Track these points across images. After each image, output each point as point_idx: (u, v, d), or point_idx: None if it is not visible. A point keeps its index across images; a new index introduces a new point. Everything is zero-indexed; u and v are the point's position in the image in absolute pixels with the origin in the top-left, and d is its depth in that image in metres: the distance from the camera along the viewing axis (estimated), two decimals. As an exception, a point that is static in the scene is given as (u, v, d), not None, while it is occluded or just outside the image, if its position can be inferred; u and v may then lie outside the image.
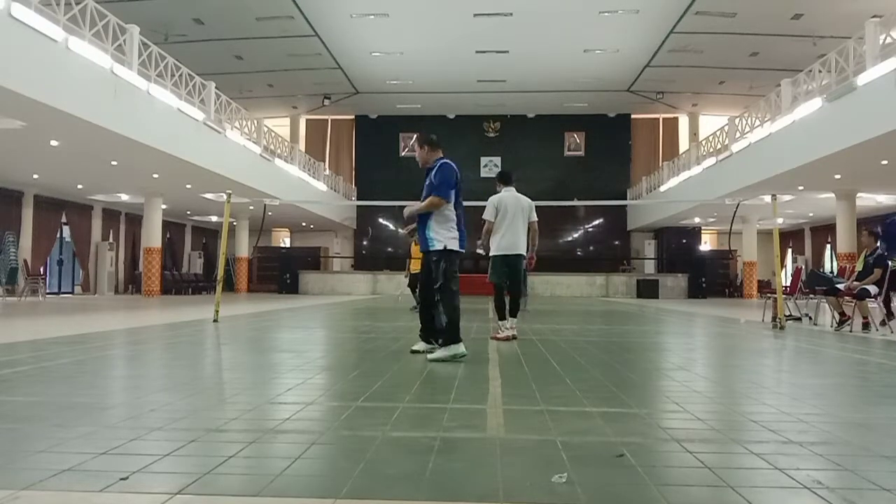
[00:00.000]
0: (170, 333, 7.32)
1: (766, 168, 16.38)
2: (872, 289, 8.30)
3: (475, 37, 20.87)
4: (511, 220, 6.36)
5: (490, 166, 29.01)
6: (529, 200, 6.55)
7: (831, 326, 8.67)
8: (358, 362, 4.92)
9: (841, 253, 17.55)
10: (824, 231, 26.02)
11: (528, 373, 4.24)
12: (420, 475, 2.03)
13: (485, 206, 6.49)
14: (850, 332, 8.15)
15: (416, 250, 12.46)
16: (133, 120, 12.73)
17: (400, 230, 13.78)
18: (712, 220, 26.61)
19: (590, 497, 1.83)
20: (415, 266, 12.52)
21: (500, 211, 6.39)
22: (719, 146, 21.24)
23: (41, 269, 19.49)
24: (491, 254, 6.48)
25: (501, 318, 6.45)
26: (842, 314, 8.49)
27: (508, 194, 6.48)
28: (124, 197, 21.11)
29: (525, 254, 6.49)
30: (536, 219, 6.57)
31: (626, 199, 28.99)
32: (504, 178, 6.67)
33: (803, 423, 2.82)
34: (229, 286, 24.49)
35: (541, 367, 4.47)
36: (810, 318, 9.68)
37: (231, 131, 18.03)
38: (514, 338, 6.35)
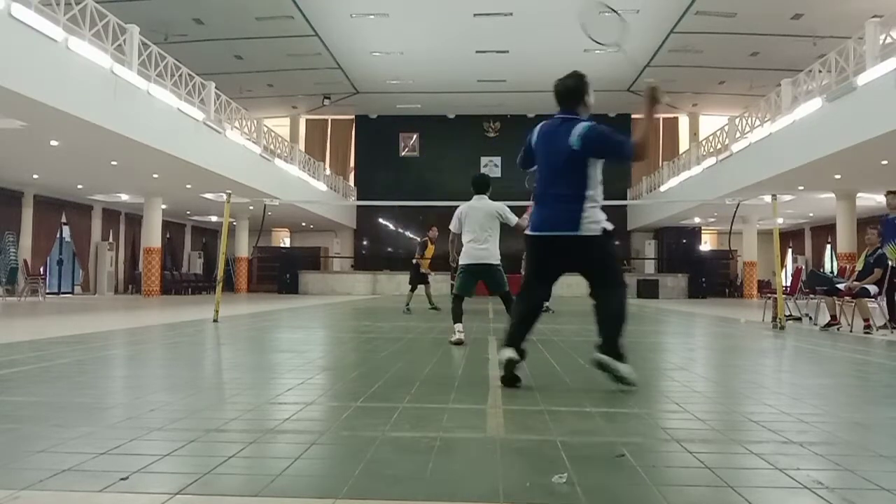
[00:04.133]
0: (170, 333, 7.32)
1: (766, 168, 16.38)
2: (872, 288, 8.30)
3: (475, 37, 20.86)
4: (470, 230, 6.03)
5: (490, 166, 29.02)
6: (496, 204, 6.13)
7: (815, 324, 8.86)
8: (358, 362, 4.92)
9: (841, 253, 17.55)
10: (824, 231, 26.02)
11: (529, 373, 4.24)
12: (420, 475, 2.02)
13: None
14: (838, 330, 8.23)
15: (431, 249, 12.36)
16: (133, 120, 12.73)
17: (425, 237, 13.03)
18: (712, 220, 26.61)
19: (590, 497, 1.83)
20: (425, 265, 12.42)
21: (462, 222, 6.12)
22: (719, 146, 21.24)
23: (41, 269, 19.49)
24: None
25: (455, 321, 6.15)
26: (833, 317, 8.55)
27: (469, 204, 6.15)
28: (124, 197, 21.12)
29: (496, 262, 6.04)
30: (516, 219, 6.02)
31: (626, 199, 28.97)
32: (473, 186, 6.25)
33: (803, 423, 2.82)
34: (229, 286, 24.49)
35: (541, 368, 4.47)
36: (810, 319, 9.69)
37: (231, 131, 18.03)
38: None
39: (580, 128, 3.71)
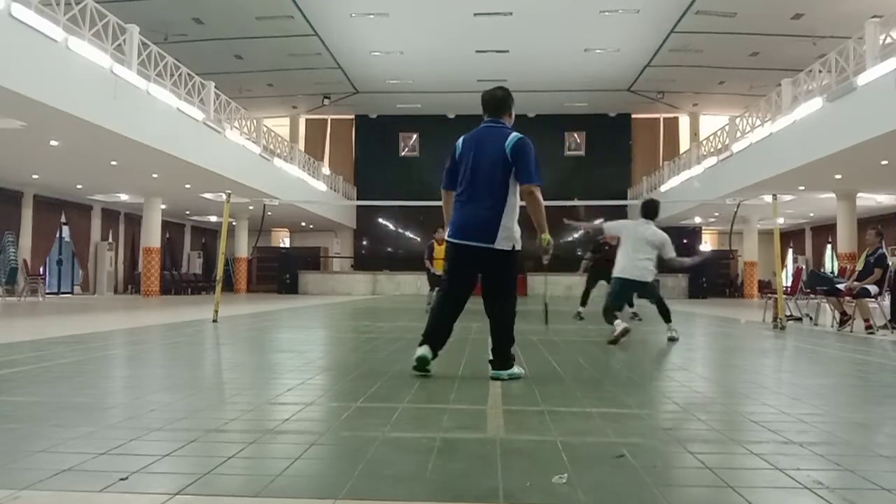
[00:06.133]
0: (169, 334, 7.32)
1: (766, 168, 16.38)
2: (873, 288, 8.30)
3: (475, 37, 20.86)
4: (625, 243, 6.36)
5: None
6: (656, 233, 6.34)
7: (832, 326, 8.72)
8: (358, 363, 4.92)
9: (841, 253, 17.55)
10: (825, 231, 26.02)
11: (528, 373, 4.24)
12: (420, 475, 2.02)
13: None
14: (851, 332, 8.19)
15: (440, 250, 12.33)
16: (133, 120, 12.73)
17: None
18: (713, 220, 26.60)
19: (590, 497, 1.83)
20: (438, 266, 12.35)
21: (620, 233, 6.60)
22: (720, 146, 21.23)
23: (41, 269, 19.48)
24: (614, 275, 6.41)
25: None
26: (843, 313, 8.51)
27: (635, 222, 6.60)
28: (124, 197, 21.11)
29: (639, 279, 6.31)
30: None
31: (626, 199, 28.95)
32: (644, 211, 6.58)
33: (803, 423, 2.82)
34: (229, 286, 24.47)
35: (541, 368, 4.47)
36: (811, 319, 9.68)
37: (230, 131, 18.02)
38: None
39: (513, 136, 3.91)
